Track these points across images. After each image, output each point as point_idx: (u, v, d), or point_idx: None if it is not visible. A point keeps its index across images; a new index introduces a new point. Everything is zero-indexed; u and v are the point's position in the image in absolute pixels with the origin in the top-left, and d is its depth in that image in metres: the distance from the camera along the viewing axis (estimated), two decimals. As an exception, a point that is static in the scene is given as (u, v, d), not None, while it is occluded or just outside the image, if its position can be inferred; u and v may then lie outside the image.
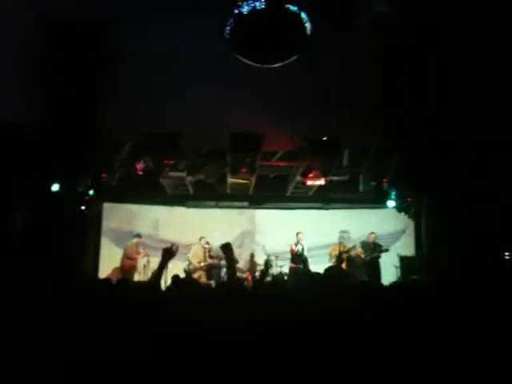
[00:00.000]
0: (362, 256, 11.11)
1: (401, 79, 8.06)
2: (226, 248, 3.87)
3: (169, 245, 4.12)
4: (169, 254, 3.78)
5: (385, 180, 10.20)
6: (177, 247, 4.17)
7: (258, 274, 10.72)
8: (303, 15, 5.56)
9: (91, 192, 9.72)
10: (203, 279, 10.43)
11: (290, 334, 2.60)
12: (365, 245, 11.31)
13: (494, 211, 8.94)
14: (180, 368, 2.47)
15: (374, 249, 11.12)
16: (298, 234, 11.16)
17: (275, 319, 2.73)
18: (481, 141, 8.52)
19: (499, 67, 7.31)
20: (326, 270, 3.61)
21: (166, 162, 9.51)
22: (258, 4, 5.51)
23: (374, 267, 10.94)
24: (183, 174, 10.06)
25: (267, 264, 8.45)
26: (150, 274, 10.61)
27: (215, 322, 2.65)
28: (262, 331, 2.62)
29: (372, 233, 11.39)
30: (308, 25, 5.67)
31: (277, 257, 10.97)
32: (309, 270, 8.19)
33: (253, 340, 2.57)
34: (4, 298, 2.88)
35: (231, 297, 3.23)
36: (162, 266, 3.71)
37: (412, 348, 2.64)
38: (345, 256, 11.00)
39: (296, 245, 11.08)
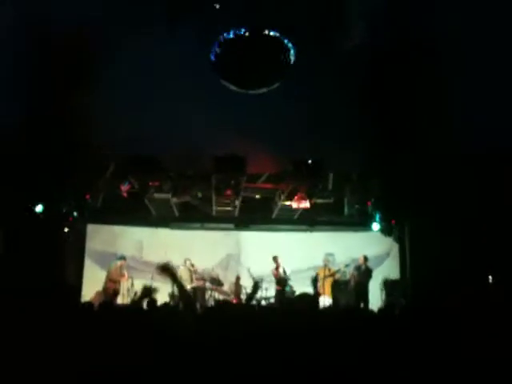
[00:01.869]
0: (352, 280, 10.94)
1: (383, 103, 8.17)
2: (165, 269, 3.53)
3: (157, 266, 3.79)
4: (167, 270, 3.50)
5: (369, 203, 10.28)
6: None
7: (243, 297, 10.63)
8: (287, 43, 5.67)
9: (75, 213, 9.68)
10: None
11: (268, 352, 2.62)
12: (356, 268, 11.08)
13: (478, 234, 9.02)
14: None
15: (364, 272, 10.88)
16: (274, 258, 11.11)
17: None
18: (465, 164, 8.61)
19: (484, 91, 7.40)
20: (299, 297, 3.65)
21: (150, 183, 9.50)
22: (242, 31, 5.61)
23: (362, 291, 10.76)
24: (168, 196, 10.05)
25: (255, 287, 8.16)
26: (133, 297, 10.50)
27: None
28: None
29: (364, 256, 11.08)
30: (292, 52, 5.77)
31: (262, 280, 10.89)
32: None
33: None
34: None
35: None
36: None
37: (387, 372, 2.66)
38: (328, 279, 10.97)
39: (277, 268, 11.05)
